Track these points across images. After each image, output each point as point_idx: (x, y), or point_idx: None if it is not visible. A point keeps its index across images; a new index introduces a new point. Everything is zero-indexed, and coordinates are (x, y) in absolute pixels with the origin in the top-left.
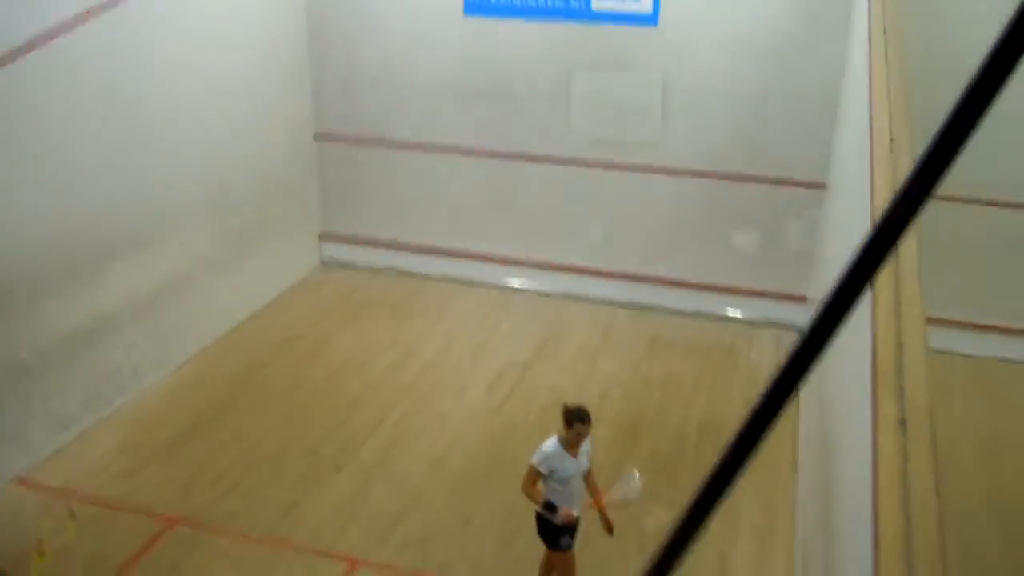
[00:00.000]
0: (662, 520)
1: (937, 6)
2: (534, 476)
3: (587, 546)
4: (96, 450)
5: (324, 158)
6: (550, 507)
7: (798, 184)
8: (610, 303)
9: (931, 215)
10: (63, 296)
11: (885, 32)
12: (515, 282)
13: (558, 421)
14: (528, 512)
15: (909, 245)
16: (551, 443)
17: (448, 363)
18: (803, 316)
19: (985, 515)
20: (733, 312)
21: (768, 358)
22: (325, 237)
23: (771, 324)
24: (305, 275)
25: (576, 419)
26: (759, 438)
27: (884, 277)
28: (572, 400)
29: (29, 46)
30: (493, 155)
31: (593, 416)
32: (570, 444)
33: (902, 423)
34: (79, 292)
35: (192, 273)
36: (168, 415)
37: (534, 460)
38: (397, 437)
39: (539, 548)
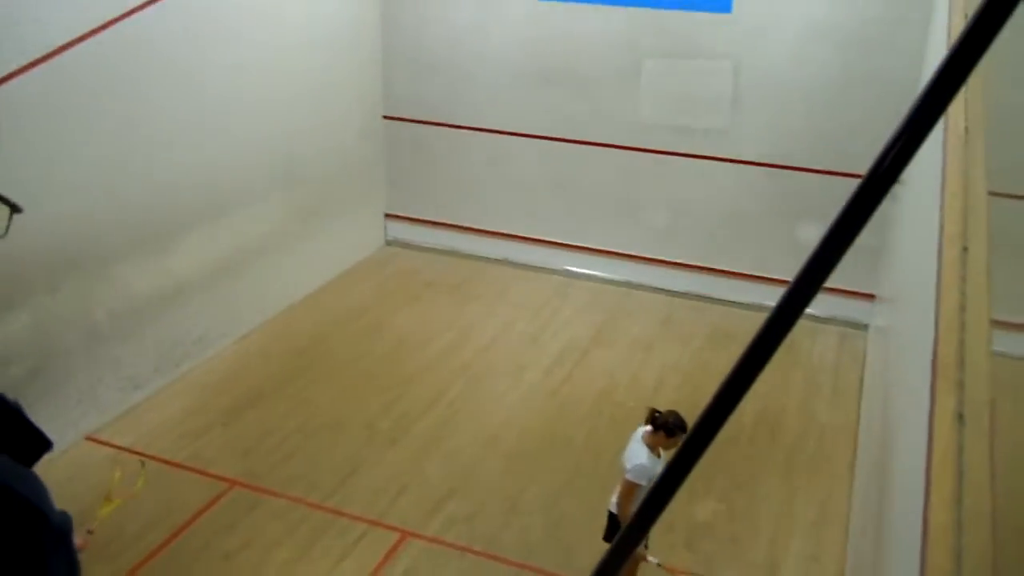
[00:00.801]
0: (712, 511)
1: None
2: (633, 491)
3: None
4: (163, 412)
5: (392, 138)
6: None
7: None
8: (671, 292)
9: (1004, 214)
10: (135, 264)
11: (966, 17)
12: (576, 268)
13: (612, 406)
14: (578, 496)
15: (978, 243)
16: (644, 453)
17: (506, 345)
18: (869, 314)
19: None
20: None
21: (831, 355)
22: (391, 217)
23: (835, 321)
24: (370, 253)
25: (680, 430)
26: (730, 409)
27: (950, 275)
28: (626, 387)
29: (103, 26)
30: (559, 140)
31: (648, 404)
32: (655, 448)
33: (959, 417)
34: (151, 261)
35: (260, 247)
36: (232, 382)
37: (634, 477)
38: (451, 415)
39: (586, 530)
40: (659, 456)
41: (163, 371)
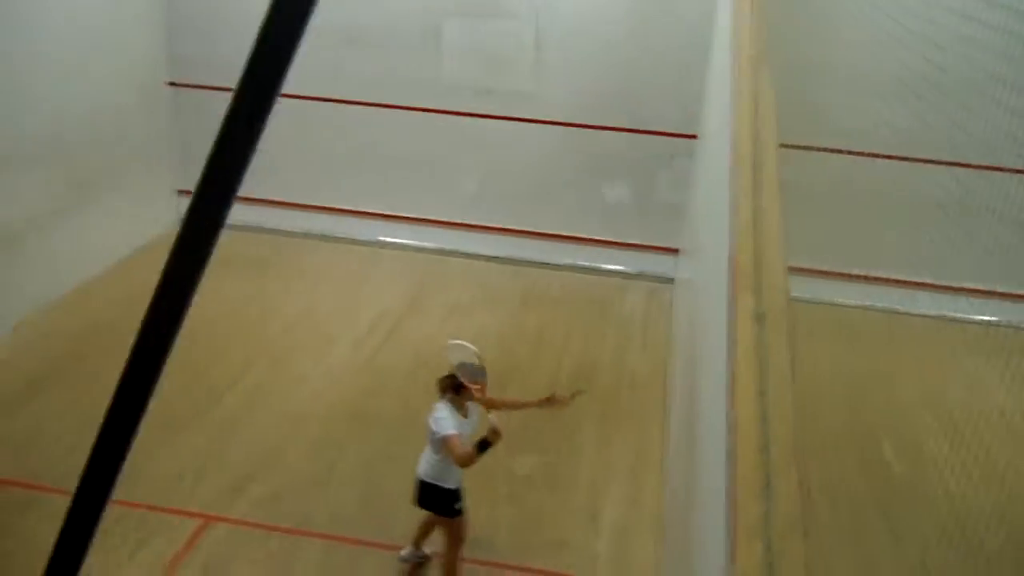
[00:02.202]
0: (531, 464)
1: None
2: (456, 442)
3: None
4: None
5: (180, 107)
6: (484, 444)
7: (669, 135)
8: (484, 257)
9: (793, 164)
10: None
11: None
12: (386, 237)
13: (427, 373)
14: (393, 464)
15: (770, 196)
16: (447, 415)
17: (312, 321)
18: (674, 268)
19: (844, 445)
20: (606, 265)
21: (640, 309)
22: (184, 193)
23: (644, 276)
24: (162, 232)
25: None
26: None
27: (742, 226)
28: (441, 354)
29: None
30: (363, 104)
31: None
32: (461, 410)
33: (759, 317)
34: None
35: (31, 224)
36: (5, 373)
37: (452, 431)
38: (253, 396)
39: (403, 498)
40: (466, 416)
41: None
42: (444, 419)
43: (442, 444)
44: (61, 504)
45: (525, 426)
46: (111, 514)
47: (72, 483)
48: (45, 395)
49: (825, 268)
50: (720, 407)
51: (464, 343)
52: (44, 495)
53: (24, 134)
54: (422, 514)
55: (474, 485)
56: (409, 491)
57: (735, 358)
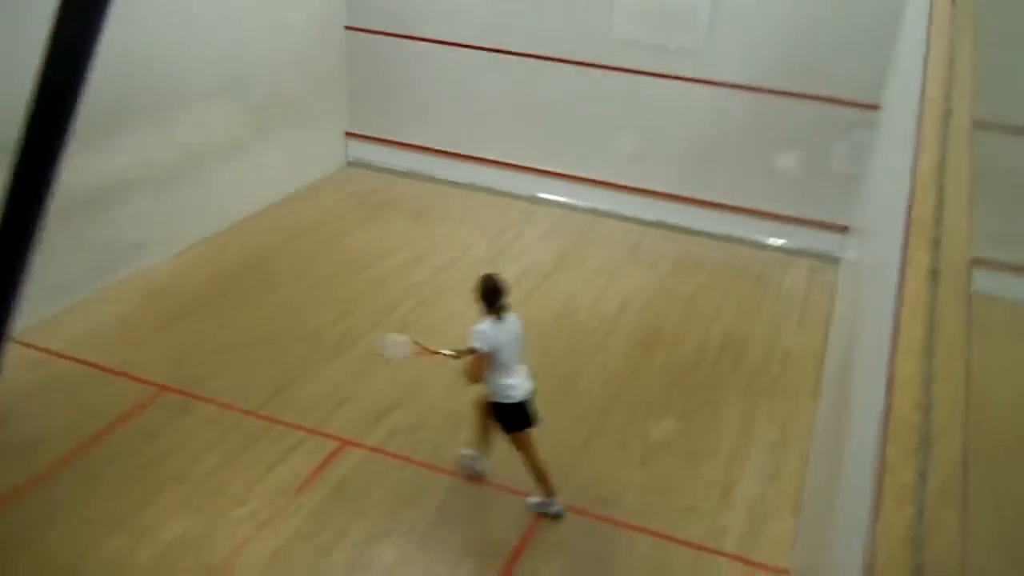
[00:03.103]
0: (668, 431)
1: None
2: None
3: (590, 450)
4: (94, 319)
5: (354, 51)
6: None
7: (849, 104)
8: (639, 221)
9: (987, 147)
10: (70, 156)
11: None
12: (542, 193)
13: (569, 328)
14: None
15: (959, 178)
16: (483, 324)
17: (463, 267)
18: (841, 247)
19: (1014, 452)
20: (768, 239)
21: (801, 286)
22: (353, 136)
23: (807, 254)
24: (330, 172)
25: (481, 292)
26: None
27: (922, 208)
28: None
29: None
30: (529, 56)
31: (609, 325)
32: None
33: (934, 273)
34: (88, 155)
35: (210, 152)
36: (172, 291)
37: (473, 342)
38: (401, 331)
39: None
40: (501, 319)
41: (99, 276)
42: (477, 327)
43: None
44: (211, 412)
45: (665, 390)
46: (254, 430)
47: (221, 395)
48: (204, 315)
49: (1015, 262)
50: (881, 366)
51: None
52: (196, 403)
53: (209, 69)
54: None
55: (608, 443)
56: (540, 438)
57: (902, 313)
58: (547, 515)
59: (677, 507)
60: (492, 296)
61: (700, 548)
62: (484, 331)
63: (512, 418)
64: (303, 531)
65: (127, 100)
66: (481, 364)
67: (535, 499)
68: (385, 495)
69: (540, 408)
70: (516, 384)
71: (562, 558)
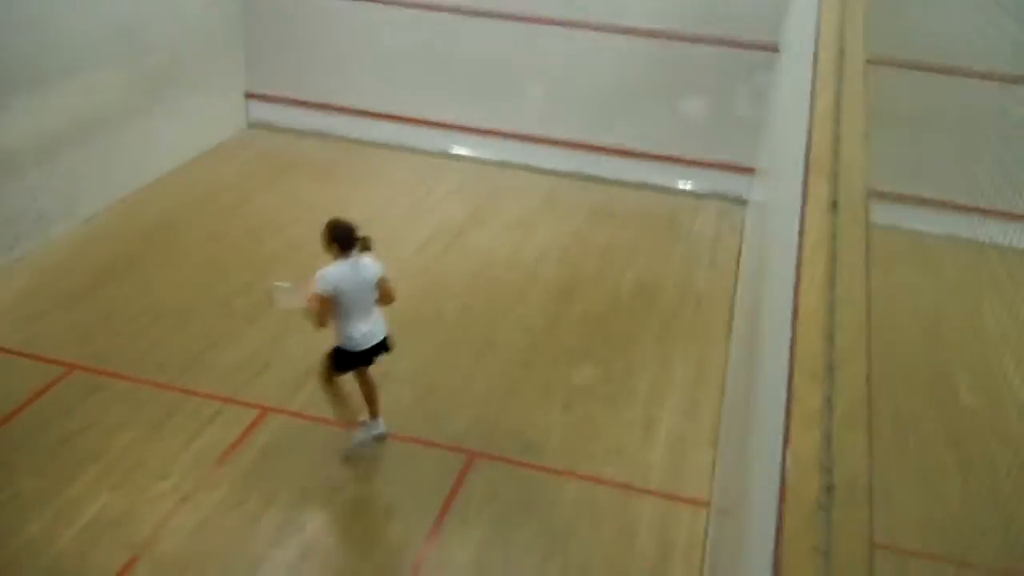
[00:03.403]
0: (588, 375)
1: None
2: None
3: (513, 400)
4: None
5: (251, 9)
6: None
7: (748, 47)
8: (551, 172)
9: (880, 83)
10: None
11: None
12: (452, 148)
13: (486, 282)
14: (448, 366)
15: (854, 114)
16: (330, 266)
17: (374, 226)
18: (748, 189)
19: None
20: (678, 183)
21: (711, 229)
22: (252, 96)
23: (717, 196)
24: (230, 135)
25: (328, 235)
26: None
27: (821, 145)
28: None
29: None
30: (432, 8)
31: (527, 278)
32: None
33: (833, 205)
34: None
35: (103, 118)
36: (75, 264)
37: (316, 285)
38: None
39: (458, 398)
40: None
41: None
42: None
43: None
44: (124, 388)
45: (584, 337)
46: (170, 402)
47: (134, 369)
48: (110, 287)
49: (908, 193)
50: (786, 297)
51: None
52: (108, 379)
53: (96, 32)
54: (482, 414)
55: (531, 392)
56: (462, 391)
57: (804, 244)
58: (373, 440)
59: (601, 449)
60: (345, 239)
61: (626, 487)
62: (324, 274)
63: (347, 362)
64: (228, 500)
65: (9, 68)
66: (323, 308)
67: (359, 434)
68: (310, 458)
69: (464, 360)
70: (363, 332)
71: (492, 507)
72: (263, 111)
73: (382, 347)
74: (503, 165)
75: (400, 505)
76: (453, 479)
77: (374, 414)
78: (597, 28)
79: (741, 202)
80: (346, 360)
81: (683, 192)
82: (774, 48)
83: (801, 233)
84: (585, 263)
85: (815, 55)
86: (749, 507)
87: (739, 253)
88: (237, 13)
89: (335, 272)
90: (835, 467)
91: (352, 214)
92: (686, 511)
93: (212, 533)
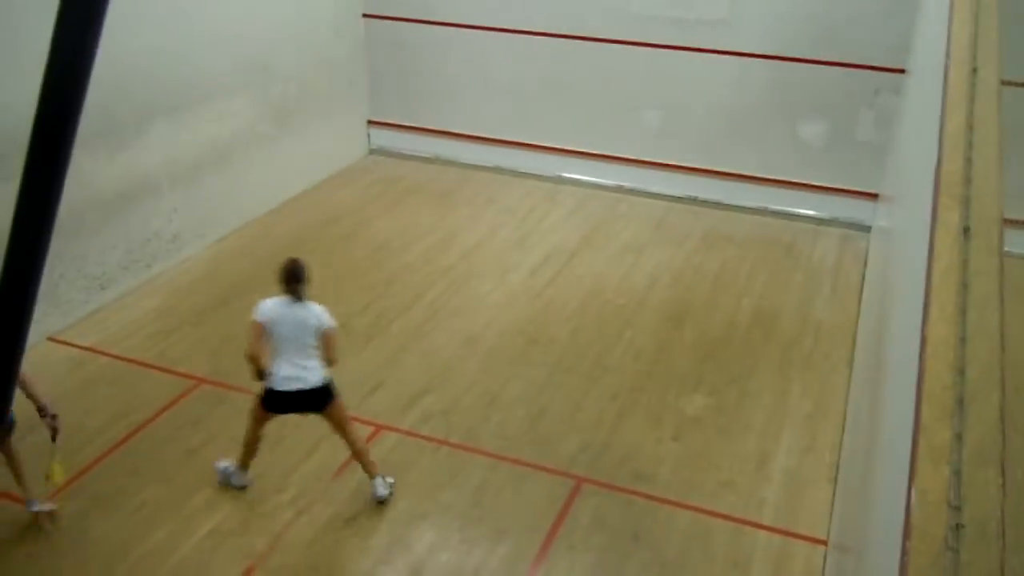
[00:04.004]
0: (701, 406)
1: None
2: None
3: (623, 427)
4: (131, 313)
5: (373, 38)
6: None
7: (874, 69)
8: (665, 196)
9: (1016, 105)
10: (96, 154)
11: None
12: (566, 173)
13: (599, 305)
14: (559, 391)
15: (987, 134)
16: (272, 301)
17: (491, 249)
18: (872, 215)
19: None
20: (798, 209)
21: (833, 256)
22: (374, 124)
23: (837, 222)
24: (353, 161)
25: (282, 276)
26: None
27: (951, 168)
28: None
29: None
30: (546, 35)
31: (638, 302)
32: (293, 296)
33: (965, 231)
34: (114, 152)
35: (233, 145)
36: (205, 283)
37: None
38: (431, 315)
39: (567, 424)
40: (300, 301)
41: (134, 271)
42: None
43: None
44: (247, 402)
45: (696, 364)
46: (288, 418)
47: (256, 385)
48: (236, 305)
49: None
50: (914, 328)
51: None
52: (233, 393)
53: (232, 66)
54: (591, 440)
55: (641, 419)
56: (572, 416)
57: (934, 272)
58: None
59: (713, 481)
60: (285, 279)
61: (738, 521)
62: (260, 304)
63: (270, 402)
64: (341, 516)
65: (151, 97)
66: (253, 334)
67: (234, 473)
68: (421, 477)
69: (574, 385)
70: (285, 375)
71: (600, 535)
72: (383, 138)
73: (310, 401)
74: (617, 190)
75: (508, 528)
76: (561, 504)
77: (369, 473)
78: (713, 51)
79: (864, 228)
80: (269, 399)
81: (803, 217)
82: (900, 70)
83: (930, 260)
84: (698, 288)
85: (945, 75)
86: (872, 545)
87: (862, 281)
88: (360, 44)
89: (269, 305)
90: (965, 505)
91: (466, 238)
92: (802, 547)
93: (325, 547)
